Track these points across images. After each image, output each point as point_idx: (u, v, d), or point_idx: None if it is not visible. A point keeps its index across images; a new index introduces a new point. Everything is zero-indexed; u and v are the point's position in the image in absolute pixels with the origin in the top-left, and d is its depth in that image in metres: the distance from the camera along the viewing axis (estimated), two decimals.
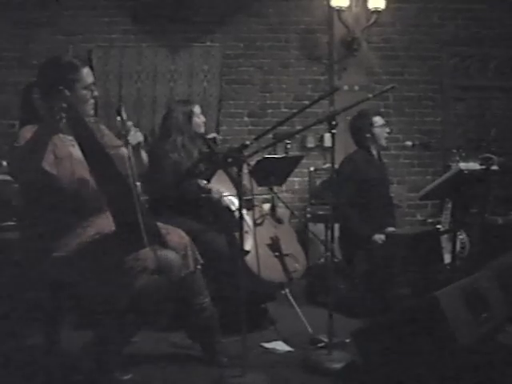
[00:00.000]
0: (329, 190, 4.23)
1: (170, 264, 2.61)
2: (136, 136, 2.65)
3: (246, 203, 3.56)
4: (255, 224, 3.61)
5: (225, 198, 3.58)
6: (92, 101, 2.69)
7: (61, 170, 2.52)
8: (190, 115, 3.79)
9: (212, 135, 3.88)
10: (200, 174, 3.68)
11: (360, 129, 4.15)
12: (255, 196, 3.67)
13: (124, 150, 2.86)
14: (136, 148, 2.66)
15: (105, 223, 2.60)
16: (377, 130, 4.14)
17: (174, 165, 3.66)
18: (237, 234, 2.93)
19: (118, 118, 2.61)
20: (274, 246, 3.63)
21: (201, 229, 3.52)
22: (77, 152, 2.59)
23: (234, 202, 3.56)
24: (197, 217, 3.62)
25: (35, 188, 2.50)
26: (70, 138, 2.64)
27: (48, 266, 2.51)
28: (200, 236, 3.34)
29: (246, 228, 3.36)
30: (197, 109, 3.86)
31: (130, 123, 2.62)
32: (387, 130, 4.19)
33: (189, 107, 3.83)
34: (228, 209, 3.55)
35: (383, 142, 4.18)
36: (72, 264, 2.49)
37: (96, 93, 2.71)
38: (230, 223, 3.25)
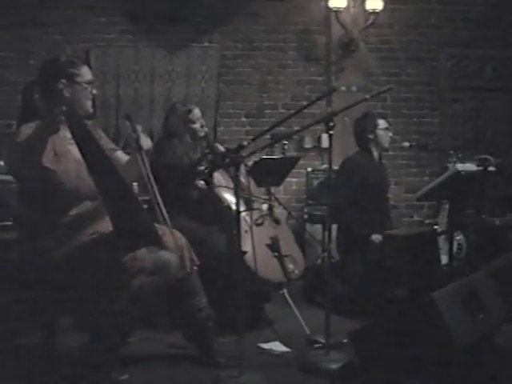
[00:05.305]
0: (326, 190, 4.23)
1: (166, 265, 2.61)
2: (146, 141, 2.65)
3: (247, 203, 3.57)
4: (256, 224, 3.61)
5: (226, 197, 3.59)
6: (91, 97, 2.69)
7: (60, 166, 2.53)
8: (186, 117, 3.79)
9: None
10: (199, 174, 3.68)
11: (364, 129, 4.17)
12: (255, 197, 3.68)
13: (120, 154, 2.87)
14: (145, 153, 2.65)
15: (102, 223, 2.61)
16: (380, 132, 4.15)
17: (178, 164, 3.66)
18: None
19: (127, 123, 2.61)
20: (274, 246, 3.63)
21: (200, 229, 3.52)
22: (75, 150, 2.58)
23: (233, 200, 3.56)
24: (196, 217, 3.62)
25: (34, 184, 2.50)
26: (69, 136, 2.64)
27: (44, 266, 2.51)
28: (199, 236, 3.33)
29: (245, 228, 3.36)
30: (196, 111, 3.85)
31: (139, 127, 2.62)
32: (390, 133, 4.21)
33: (186, 109, 3.83)
34: (229, 208, 3.54)
35: (386, 144, 4.19)
36: (69, 263, 2.49)
37: (94, 91, 2.72)
38: (231, 223, 3.23)
